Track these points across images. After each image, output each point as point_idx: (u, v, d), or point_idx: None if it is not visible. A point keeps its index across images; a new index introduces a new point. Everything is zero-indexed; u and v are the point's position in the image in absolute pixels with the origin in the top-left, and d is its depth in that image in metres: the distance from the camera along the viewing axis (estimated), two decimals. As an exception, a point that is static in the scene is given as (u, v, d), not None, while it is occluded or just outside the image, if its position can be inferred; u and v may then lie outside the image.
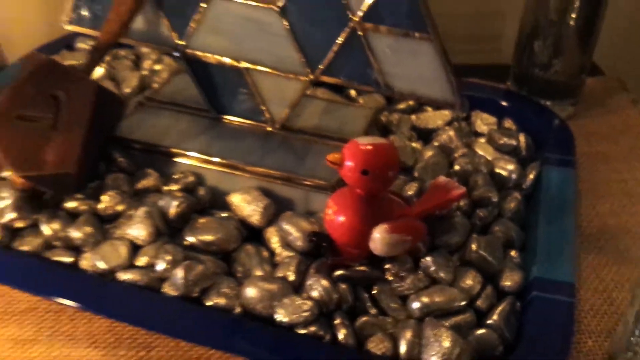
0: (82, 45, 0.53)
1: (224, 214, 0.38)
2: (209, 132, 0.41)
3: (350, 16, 0.35)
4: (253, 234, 0.37)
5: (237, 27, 0.37)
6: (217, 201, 0.39)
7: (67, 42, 0.53)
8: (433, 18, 0.34)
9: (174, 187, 0.38)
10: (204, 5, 0.37)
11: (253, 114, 0.41)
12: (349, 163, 0.31)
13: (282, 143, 0.41)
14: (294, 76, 0.38)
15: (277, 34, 0.37)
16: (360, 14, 0.35)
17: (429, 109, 0.48)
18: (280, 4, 0.36)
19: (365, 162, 0.31)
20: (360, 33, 0.35)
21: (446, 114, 0.46)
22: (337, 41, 0.36)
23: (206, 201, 0.38)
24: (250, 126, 0.41)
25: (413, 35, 0.34)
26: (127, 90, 0.47)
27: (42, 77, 0.34)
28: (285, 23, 0.36)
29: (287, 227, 0.35)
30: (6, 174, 0.39)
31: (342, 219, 0.33)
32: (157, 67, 0.50)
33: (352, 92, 0.49)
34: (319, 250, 0.35)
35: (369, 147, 0.31)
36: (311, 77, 0.38)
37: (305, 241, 0.35)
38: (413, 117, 0.47)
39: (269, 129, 0.41)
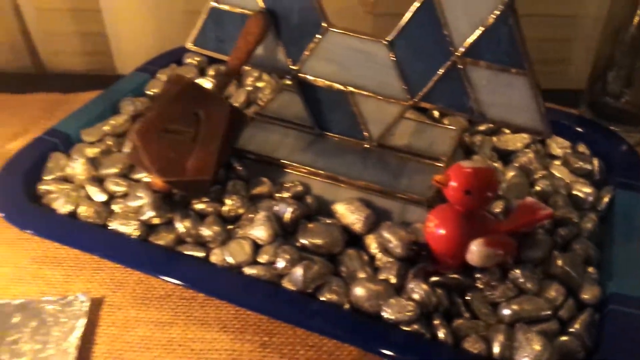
0: (190, 60, 0.58)
1: (328, 221, 0.42)
2: (313, 147, 0.46)
3: (453, 51, 0.39)
4: (352, 240, 0.42)
5: (347, 57, 0.42)
6: (321, 209, 0.43)
7: (176, 57, 0.59)
8: (529, 55, 0.38)
9: (286, 194, 0.43)
10: (318, 36, 0.42)
11: (352, 131, 0.46)
12: (453, 183, 0.36)
13: (378, 159, 0.45)
14: (395, 101, 0.43)
15: (383, 64, 0.41)
16: (462, 49, 0.39)
17: (508, 131, 0.51)
18: (389, 38, 0.41)
19: (468, 184, 0.35)
20: (460, 66, 0.39)
21: (525, 136, 0.50)
22: (438, 72, 0.40)
23: (313, 209, 0.43)
24: (349, 142, 0.46)
25: (510, 70, 0.38)
26: (236, 105, 0.53)
27: (187, 97, 0.40)
28: (392, 55, 0.41)
29: (388, 235, 0.40)
30: (141, 175, 0.45)
31: (442, 231, 0.37)
32: (260, 84, 0.56)
33: (435, 113, 0.53)
34: (416, 258, 0.39)
35: (471, 171, 0.36)
36: (411, 102, 0.42)
37: (404, 249, 0.39)
38: (494, 138, 0.50)
39: (366, 145, 0.46)
